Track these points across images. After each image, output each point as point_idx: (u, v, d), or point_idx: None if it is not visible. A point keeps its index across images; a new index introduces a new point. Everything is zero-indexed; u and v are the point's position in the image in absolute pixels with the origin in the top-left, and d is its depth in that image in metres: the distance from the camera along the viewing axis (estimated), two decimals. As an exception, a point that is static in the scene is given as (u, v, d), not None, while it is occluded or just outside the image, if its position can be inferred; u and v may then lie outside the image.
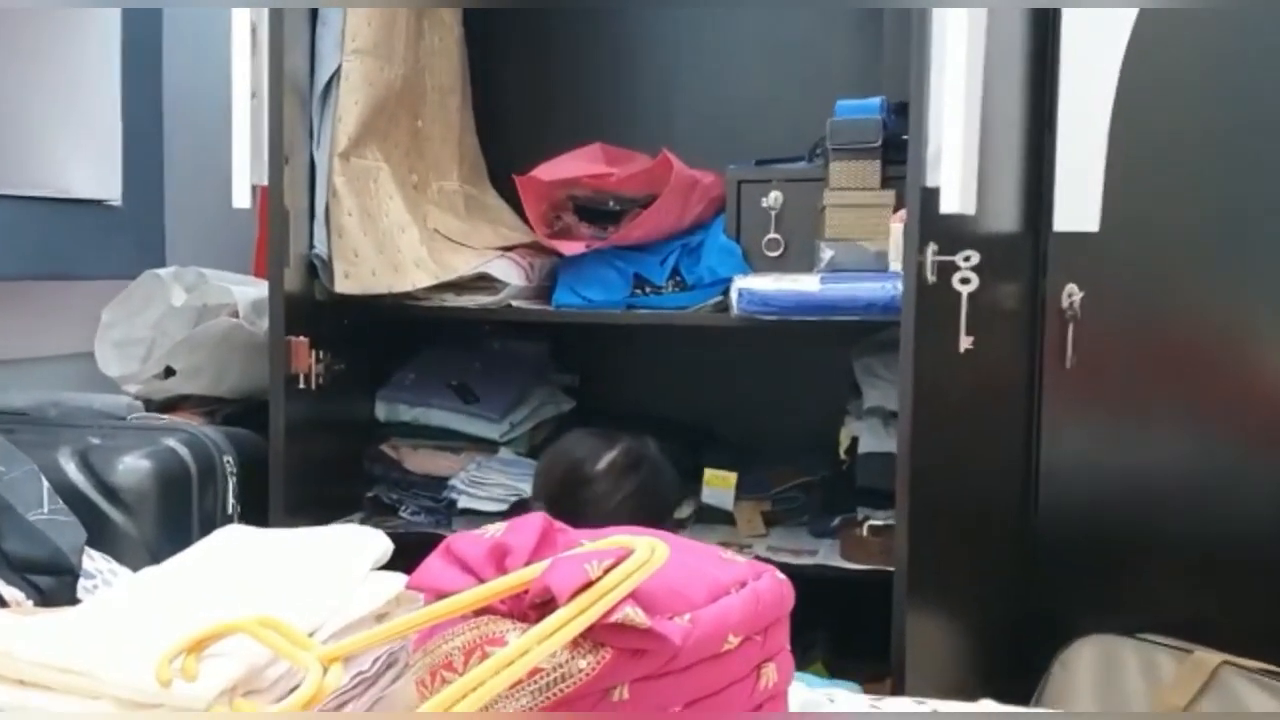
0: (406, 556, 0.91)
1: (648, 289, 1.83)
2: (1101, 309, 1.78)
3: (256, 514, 1.58)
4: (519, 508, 1.63)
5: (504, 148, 2.13)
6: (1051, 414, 1.81)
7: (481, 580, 0.80)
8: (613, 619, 0.73)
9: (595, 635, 0.74)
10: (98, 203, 1.85)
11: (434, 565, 0.83)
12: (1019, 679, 1.78)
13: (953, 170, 1.31)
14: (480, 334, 2.09)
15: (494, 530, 0.85)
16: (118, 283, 1.83)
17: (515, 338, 2.11)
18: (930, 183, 1.37)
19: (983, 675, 1.68)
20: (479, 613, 0.79)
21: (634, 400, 2.15)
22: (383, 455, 1.92)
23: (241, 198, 1.56)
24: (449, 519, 1.85)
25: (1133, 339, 1.80)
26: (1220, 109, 1.77)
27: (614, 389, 2.19)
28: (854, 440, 1.81)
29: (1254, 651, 1.68)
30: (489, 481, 1.85)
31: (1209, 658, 1.67)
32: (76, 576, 1.02)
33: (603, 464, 1.55)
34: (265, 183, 1.58)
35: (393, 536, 1.00)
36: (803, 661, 1.85)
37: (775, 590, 0.86)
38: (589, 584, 0.74)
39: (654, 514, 1.52)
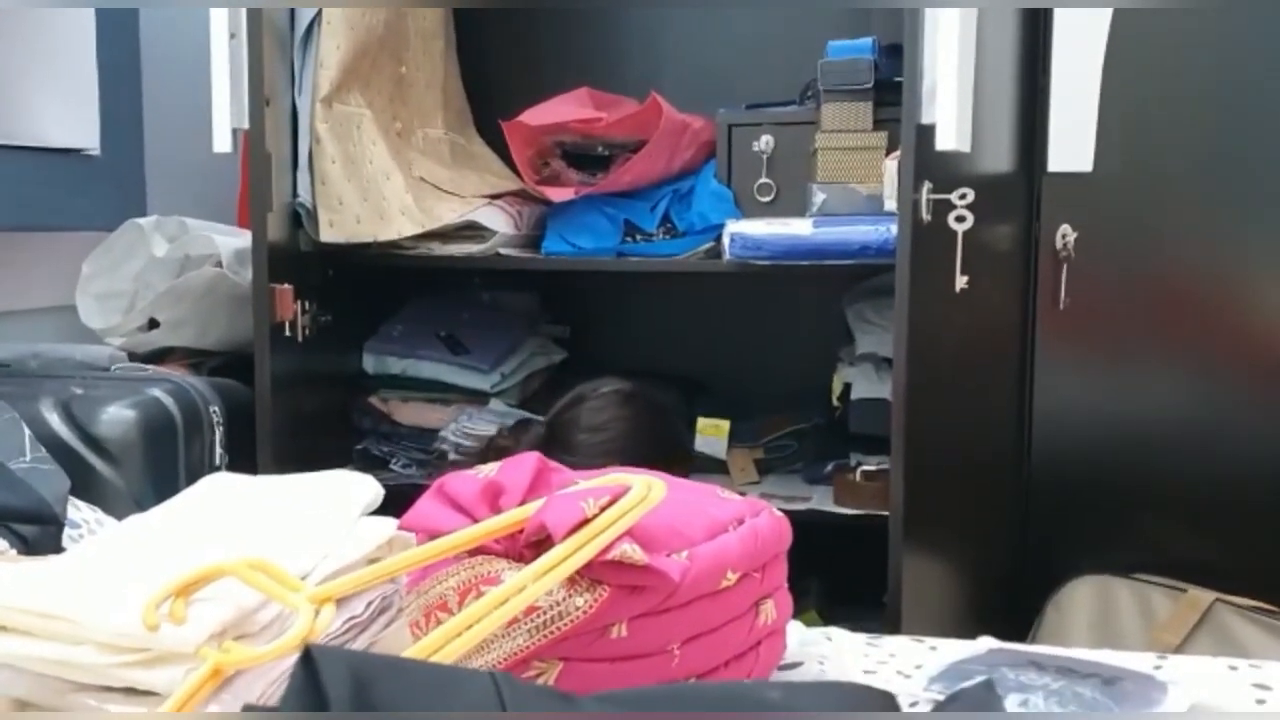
0: (397, 509, 0.90)
1: (638, 236, 1.81)
2: (1095, 250, 1.76)
3: (244, 466, 1.56)
4: (522, 427, 1.63)
5: (490, 93, 2.09)
6: (1045, 355, 1.80)
7: (475, 520, 0.79)
8: (610, 556, 0.72)
9: (592, 573, 0.73)
10: (75, 152, 1.81)
11: (426, 506, 0.82)
12: (1014, 620, 1.78)
13: (948, 106, 1.29)
14: (469, 285, 2.07)
15: (487, 470, 0.84)
16: (97, 234, 1.80)
17: (505, 288, 2.08)
18: (926, 119, 1.35)
19: (978, 617, 1.68)
20: (473, 553, 0.78)
21: (626, 350, 2.13)
22: (372, 408, 1.90)
23: (222, 142, 1.52)
24: (440, 471, 1.83)
25: (1126, 280, 1.79)
26: (1215, 49, 1.75)
27: (605, 339, 2.18)
28: (846, 386, 1.81)
29: (1246, 589, 1.69)
30: (480, 433, 1.83)
31: (1202, 596, 1.68)
32: (61, 526, 1.00)
33: (604, 389, 1.60)
34: (246, 126, 1.55)
35: (383, 489, 0.98)
36: (796, 609, 1.85)
37: (773, 527, 0.85)
38: (585, 521, 0.73)
39: (650, 449, 1.53)
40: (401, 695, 0.41)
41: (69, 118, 1.80)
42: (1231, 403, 1.77)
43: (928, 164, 1.36)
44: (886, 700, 0.49)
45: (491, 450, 1.56)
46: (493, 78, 2.11)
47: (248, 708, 0.41)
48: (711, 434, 1.90)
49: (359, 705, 0.39)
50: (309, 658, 0.42)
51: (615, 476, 0.80)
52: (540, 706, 0.45)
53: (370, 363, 1.92)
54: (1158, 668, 0.91)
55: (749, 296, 2.08)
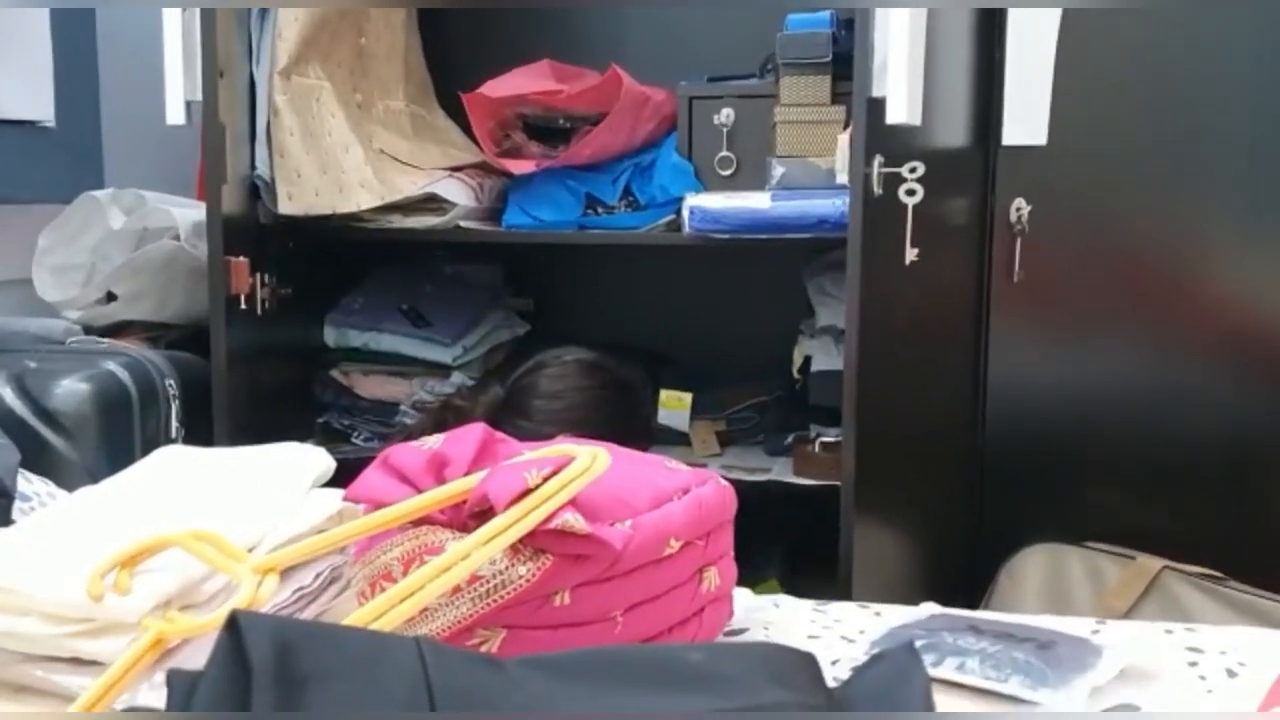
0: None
1: (600, 209, 1.81)
2: (1049, 223, 1.78)
3: (203, 440, 1.55)
4: (481, 387, 1.63)
5: (451, 65, 2.08)
6: (999, 328, 1.82)
7: (420, 491, 0.79)
8: (552, 525, 0.73)
9: (536, 541, 0.74)
10: (30, 123, 1.79)
11: (372, 476, 0.82)
12: (967, 588, 1.81)
13: (899, 80, 1.30)
14: (431, 257, 2.06)
15: (432, 441, 0.84)
16: (54, 206, 1.78)
17: (468, 261, 2.08)
18: (877, 93, 1.35)
19: (931, 585, 1.71)
20: (418, 523, 0.79)
21: (589, 322, 2.13)
22: (333, 381, 1.90)
23: (175, 114, 1.51)
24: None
25: (1080, 253, 1.81)
26: (1171, 24, 1.76)
27: (569, 312, 2.18)
28: (807, 359, 1.82)
29: (1195, 557, 1.72)
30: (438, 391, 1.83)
31: (1151, 563, 1.71)
32: (11, 498, 1.00)
33: (567, 357, 1.57)
34: (199, 98, 1.54)
35: (344, 463, 0.98)
36: (757, 579, 1.88)
37: (718, 496, 0.86)
38: (527, 491, 0.74)
39: (607, 421, 1.52)
40: (325, 661, 0.42)
41: (23, 89, 1.78)
42: (1182, 375, 1.80)
43: (880, 137, 1.37)
44: (807, 660, 0.50)
45: (449, 409, 1.55)
46: (454, 49, 2.10)
47: (171, 673, 0.42)
48: (674, 406, 1.91)
49: (281, 671, 0.40)
50: (234, 624, 0.43)
51: (561, 448, 0.81)
52: (465, 671, 0.46)
53: (331, 336, 1.92)
54: (1096, 632, 0.93)
55: (712, 269, 2.09)
